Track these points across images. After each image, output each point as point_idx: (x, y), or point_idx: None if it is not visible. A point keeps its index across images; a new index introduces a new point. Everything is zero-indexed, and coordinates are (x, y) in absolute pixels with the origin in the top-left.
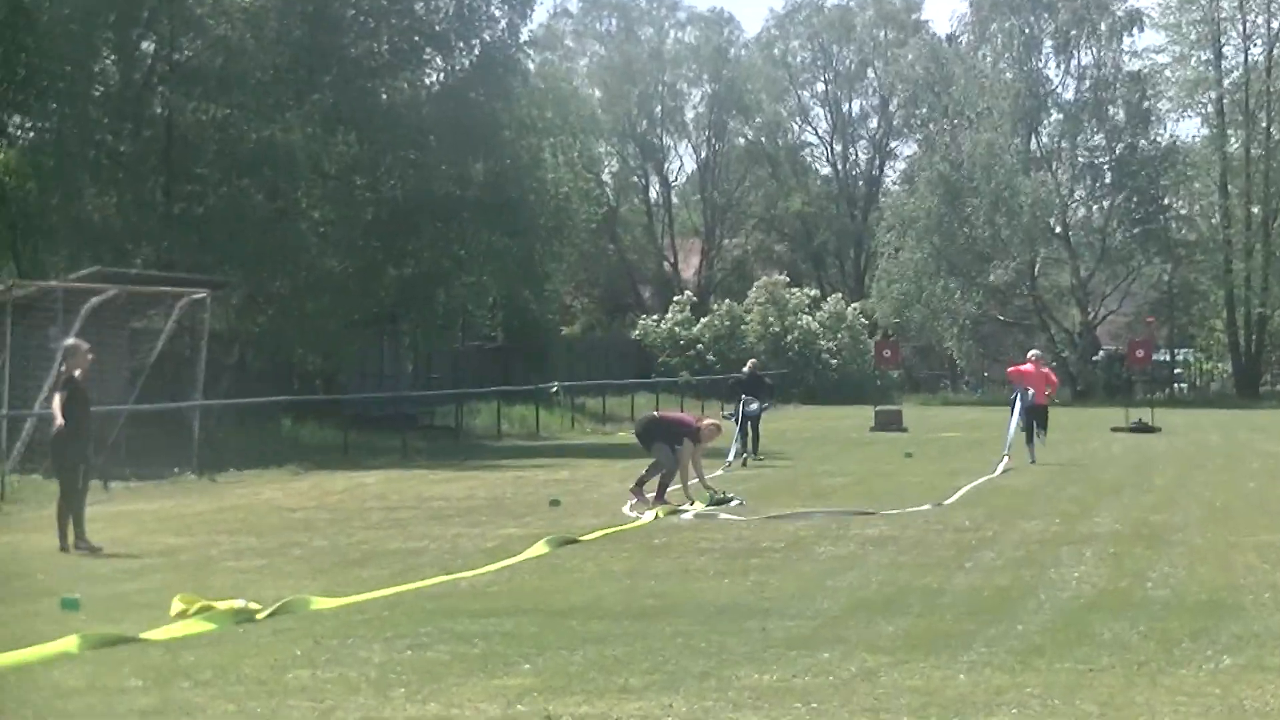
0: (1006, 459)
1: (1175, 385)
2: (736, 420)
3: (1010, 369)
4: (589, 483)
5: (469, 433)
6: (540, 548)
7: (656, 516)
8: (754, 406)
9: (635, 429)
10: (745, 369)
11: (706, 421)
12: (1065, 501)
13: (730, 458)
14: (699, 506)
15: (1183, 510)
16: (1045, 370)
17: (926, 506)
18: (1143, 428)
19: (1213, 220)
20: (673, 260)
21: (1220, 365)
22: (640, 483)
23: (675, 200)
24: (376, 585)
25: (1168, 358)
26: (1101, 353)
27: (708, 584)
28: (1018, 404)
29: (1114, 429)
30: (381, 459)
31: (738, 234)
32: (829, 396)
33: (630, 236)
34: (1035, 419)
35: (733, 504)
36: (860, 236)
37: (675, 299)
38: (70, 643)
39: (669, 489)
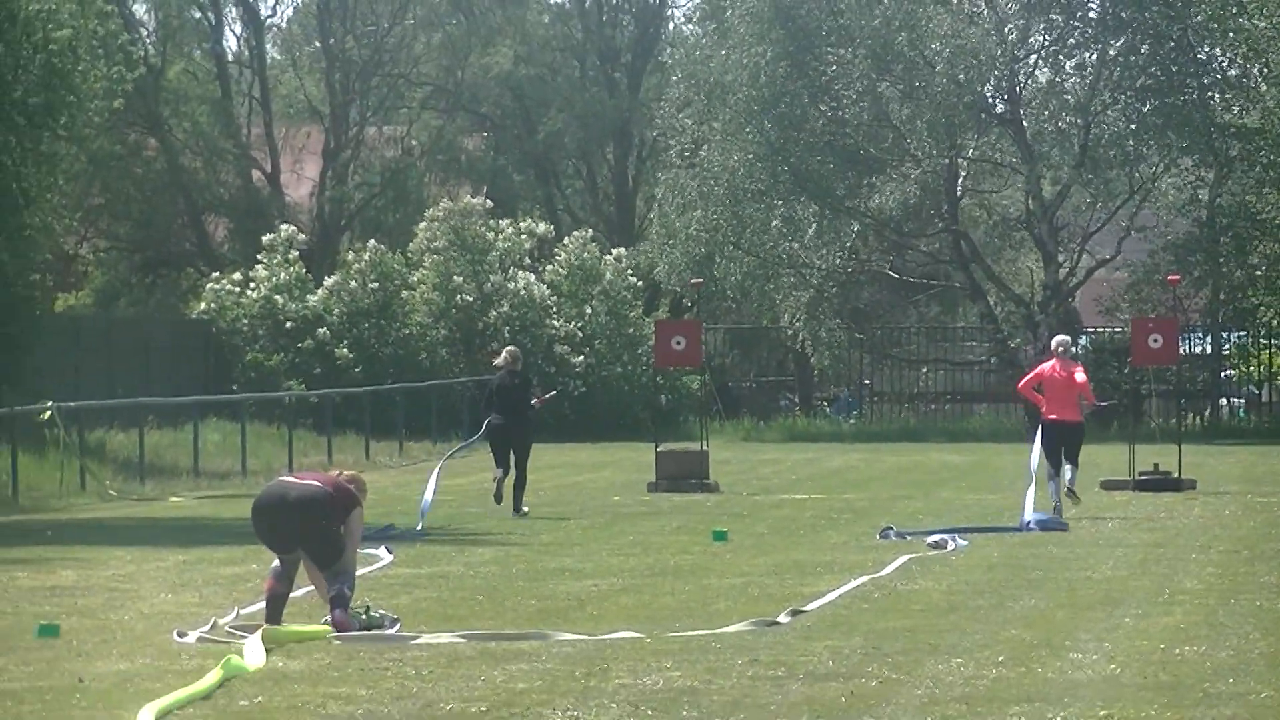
0: (1030, 521)
1: (1225, 401)
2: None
3: (1022, 381)
4: (115, 594)
5: None
6: None
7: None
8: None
9: (259, 510)
10: (501, 362)
11: (345, 473)
12: (1016, 621)
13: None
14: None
15: (1235, 637)
16: (1074, 368)
17: (749, 627)
18: (1161, 481)
19: None
20: (270, 168)
21: None
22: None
23: (274, 54)
24: None
25: (1208, 348)
26: (1084, 340)
27: None
28: (1038, 436)
29: (1107, 483)
30: None
31: (393, 118)
32: (571, 426)
33: (189, 123)
34: (1063, 447)
35: (387, 628)
36: (627, 122)
37: (267, 240)
38: None
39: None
